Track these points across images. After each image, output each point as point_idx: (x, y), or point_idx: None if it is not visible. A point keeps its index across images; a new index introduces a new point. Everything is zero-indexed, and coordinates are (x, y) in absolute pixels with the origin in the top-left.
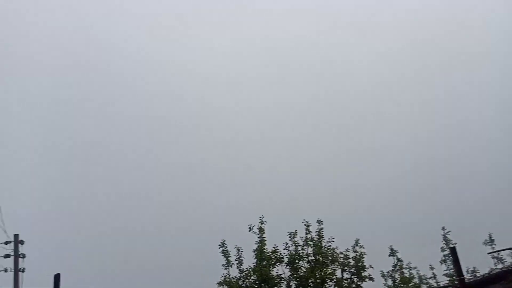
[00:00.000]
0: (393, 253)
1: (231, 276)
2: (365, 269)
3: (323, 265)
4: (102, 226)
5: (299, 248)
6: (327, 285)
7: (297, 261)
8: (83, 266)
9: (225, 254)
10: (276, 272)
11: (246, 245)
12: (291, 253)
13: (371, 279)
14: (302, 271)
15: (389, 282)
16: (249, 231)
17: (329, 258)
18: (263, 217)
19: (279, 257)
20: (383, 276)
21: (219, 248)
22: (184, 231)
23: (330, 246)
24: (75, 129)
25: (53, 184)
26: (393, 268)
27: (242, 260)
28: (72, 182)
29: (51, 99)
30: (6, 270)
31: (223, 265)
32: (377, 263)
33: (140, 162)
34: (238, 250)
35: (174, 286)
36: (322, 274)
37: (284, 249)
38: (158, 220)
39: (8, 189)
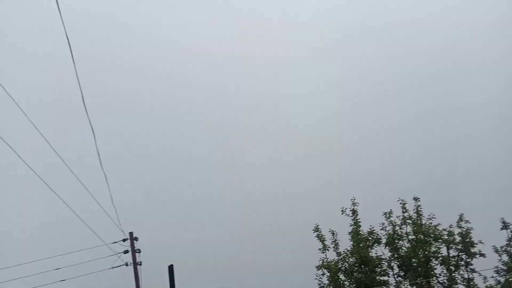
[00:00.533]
0: (505, 226)
1: (329, 260)
2: (474, 245)
3: (426, 243)
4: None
5: (397, 228)
6: (433, 264)
7: (396, 241)
8: (193, 258)
9: (320, 238)
10: (375, 253)
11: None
12: (389, 233)
13: (482, 255)
14: (403, 251)
15: (504, 257)
16: (342, 214)
17: (432, 236)
18: (354, 199)
19: (377, 238)
20: (496, 251)
21: (313, 232)
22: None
23: (431, 223)
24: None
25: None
26: (507, 242)
27: (338, 243)
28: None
29: None
30: (127, 264)
31: (319, 249)
32: (487, 239)
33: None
34: (333, 233)
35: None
36: (426, 253)
37: (381, 229)
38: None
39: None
